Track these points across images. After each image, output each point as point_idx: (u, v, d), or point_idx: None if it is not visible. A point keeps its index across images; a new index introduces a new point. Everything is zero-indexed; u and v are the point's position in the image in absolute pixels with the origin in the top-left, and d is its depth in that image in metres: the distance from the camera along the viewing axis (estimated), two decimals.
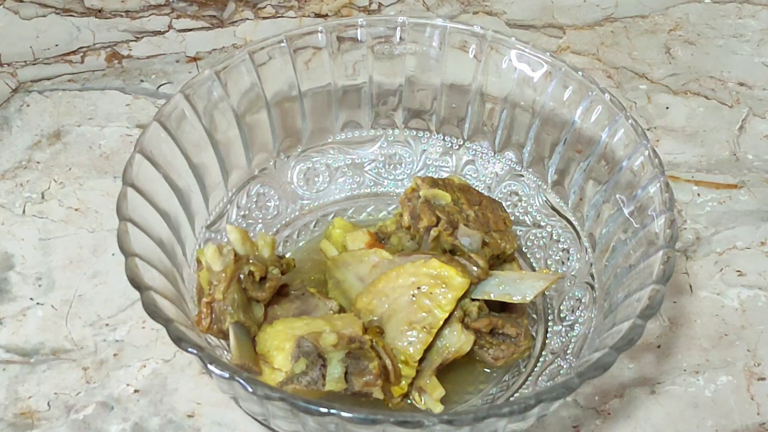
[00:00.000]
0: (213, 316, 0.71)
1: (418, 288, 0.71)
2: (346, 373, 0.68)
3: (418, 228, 0.76)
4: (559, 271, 0.82)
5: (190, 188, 0.78)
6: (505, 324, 0.74)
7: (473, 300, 0.73)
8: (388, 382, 0.69)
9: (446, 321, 0.71)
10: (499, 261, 0.79)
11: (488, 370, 0.76)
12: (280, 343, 0.70)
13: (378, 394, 0.68)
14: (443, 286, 0.71)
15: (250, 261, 0.74)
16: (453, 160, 0.90)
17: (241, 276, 0.72)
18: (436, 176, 0.85)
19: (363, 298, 0.74)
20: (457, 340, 0.72)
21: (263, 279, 0.74)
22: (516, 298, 0.73)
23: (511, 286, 0.74)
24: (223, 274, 0.72)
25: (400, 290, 0.72)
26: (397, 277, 0.73)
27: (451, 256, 0.74)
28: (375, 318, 0.72)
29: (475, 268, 0.73)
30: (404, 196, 0.80)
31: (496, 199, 0.85)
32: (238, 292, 0.72)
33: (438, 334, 0.71)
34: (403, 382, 0.71)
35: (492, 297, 0.73)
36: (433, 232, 0.75)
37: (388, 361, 0.69)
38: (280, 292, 0.76)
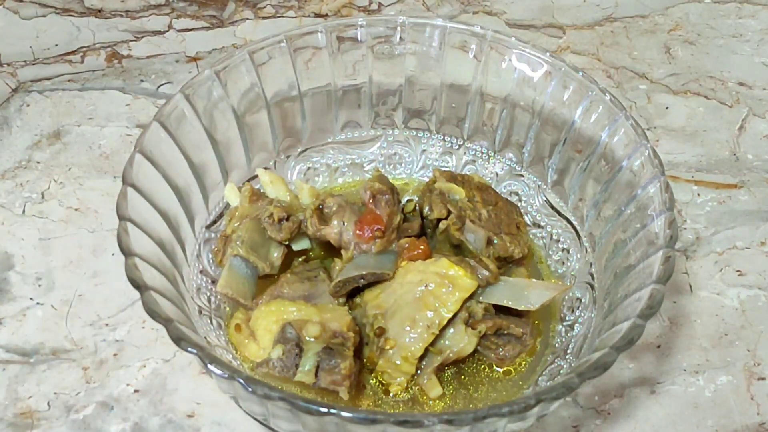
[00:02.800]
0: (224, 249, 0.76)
1: (426, 286, 0.72)
2: (317, 368, 0.69)
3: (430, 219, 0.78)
4: (559, 271, 0.82)
5: (190, 188, 0.78)
6: (510, 324, 0.74)
7: (479, 302, 0.73)
8: (354, 385, 0.71)
9: (451, 321, 0.71)
10: (506, 264, 0.79)
11: None
12: (269, 324, 0.72)
13: (344, 394, 0.69)
14: (450, 286, 0.71)
15: (273, 203, 0.77)
16: (453, 160, 0.90)
17: (265, 217, 0.75)
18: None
19: (372, 290, 0.74)
20: (460, 341, 0.72)
21: (284, 221, 0.76)
22: (522, 306, 0.73)
23: (519, 293, 0.74)
24: (237, 212, 0.76)
25: (408, 286, 0.72)
26: (406, 273, 0.73)
27: (462, 258, 0.75)
28: (380, 312, 0.72)
29: (485, 272, 0.73)
30: (426, 187, 0.81)
31: None
32: (254, 231, 0.75)
33: (441, 333, 0.72)
34: (402, 378, 0.72)
35: (499, 302, 0.74)
36: (442, 225, 0.76)
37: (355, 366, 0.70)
38: (295, 271, 0.77)
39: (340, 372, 0.68)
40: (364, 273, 0.73)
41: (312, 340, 0.70)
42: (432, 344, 0.71)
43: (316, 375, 0.69)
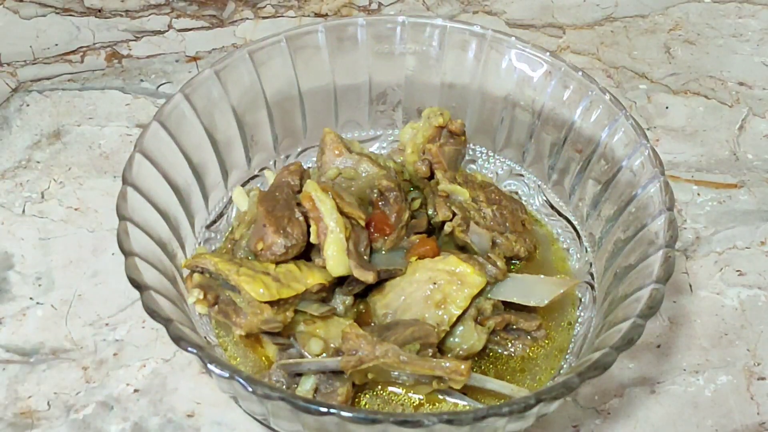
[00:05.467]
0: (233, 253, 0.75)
1: (435, 283, 0.72)
2: (315, 390, 0.69)
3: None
4: None
5: (189, 188, 0.78)
6: (519, 320, 0.74)
7: (488, 299, 0.73)
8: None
9: (460, 318, 0.71)
10: (514, 261, 0.79)
11: None
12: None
13: None
14: (459, 283, 0.71)
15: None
16: None
17: None
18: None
19: (381, 289, 0.74)
20: (470, 338, 0.72)
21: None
22: (532, 302, 0.73)
23: (528, 289, 0.74)
24: (246, 217, 0.76)
25: (416, 285, 0.72)
26: (415, 271, 0.73)
27: (470, 255, 0.75)
28: (390, 312, 0.72)
29: (493, 269, 0.73)
30: (429, 188, 0.80)
31: None
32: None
33: (451, 331, 0.72)
34: None
35: (507, 299, 0.74)
36: (447, 227, 0.76)
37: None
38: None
39: (336, 398, 0.68)
40: (377, 270, 0.73)
41: (315, 356, 0.70)
42: (442, 342, 0.71)
43: (314, 396, 0.69)
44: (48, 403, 0.75)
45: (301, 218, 0.72)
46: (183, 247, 0.75)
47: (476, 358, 0.74)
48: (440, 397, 0.71)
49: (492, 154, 0.89)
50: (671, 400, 0.77)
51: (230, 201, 0.82)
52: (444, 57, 0.86)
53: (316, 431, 0.62)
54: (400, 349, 0.66)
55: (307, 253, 0.73)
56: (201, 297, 0.69)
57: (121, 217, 0.67)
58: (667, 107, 1.05)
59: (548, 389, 0.59)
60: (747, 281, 0.86)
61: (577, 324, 0.77)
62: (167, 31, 1.12)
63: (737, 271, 0.87)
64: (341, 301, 0.74)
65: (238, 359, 0.73)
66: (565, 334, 0.76)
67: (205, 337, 0.71)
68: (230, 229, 0.81)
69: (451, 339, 0.72)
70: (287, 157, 0.87)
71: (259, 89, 0.83)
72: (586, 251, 0.80)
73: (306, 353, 0.70)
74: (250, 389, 0.58)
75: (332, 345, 0.69)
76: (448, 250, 0.76)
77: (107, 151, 0.96)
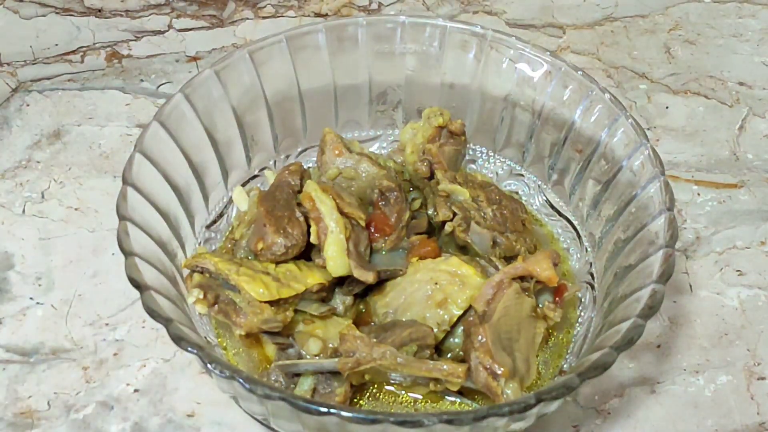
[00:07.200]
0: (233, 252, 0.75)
1: (436, 283, 0.72)
2: (314, 390, 0.69)
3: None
4: None
5: (189, 188, 0.78)
6: None
7: None
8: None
9: (460, 319, 0.71)
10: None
11: None
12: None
13: None
14: (461, 284, 0.71)
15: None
16: None
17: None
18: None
19: (381, 289, 0.74)
20: None
21: None
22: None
23: None
24: (246, 217, 0.76)
25: (418, 284, 0.73)
26: (416, 271, 0.73)
27: (471, 257, 0.75)
28: (390, 311, 0.72)
29: (493, 270, 0.73)
30: (429, 188, 0.80)
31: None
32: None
33: (451, 331, 0.72)
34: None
35: None
36: (448, 227, 0.76)
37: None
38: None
39: (335, 398, 0.68)
40: (377, 270, 0.73)
41: (313, 356, 0.70)
42: (441, 342, 0.72)
43: (312, 396, 0.69)
44: (48, 403, 0.75)
45: (301, 218, 0.72)
46: (183, 247, 0.75)
47: None
48: (439, 395, 0.71)
49: (492, 154, 0.89)
50: (671, 400, 0.77)
51: (230, 201, 0.83)
52: (444, 57, 0.86)
53: (315, 431, 0.62)
54: (397, 351, 0.66)
55: (307, 253, 0.73)
56: (201, 297, 0.69)
57: (121, 217, 0.67)
58: (667, 107, 1.05)
59: (548, 389, 0.59)
60: (747, 281, 0.86)
61: (577, 324, 0.77)
62: (167, 31, 1.12)
63: (737, 271, 0.87)
64: (341, 301, 0.74)
65: (239, 360, 0.73)
66: (565, 334, 0.76)
67: (205, 337, 0.71)
68: (230, 229, 0.81)
69: (451, 339, 0.72)
70: (287, 157, 0.88)
71: (259, 89, 0.83)
72: (586, 251, 0.80)
73: (304, 353, 0.70)
74: (250, 389, 0.58)
75: (330, 345, 0.69)
76: (449, 251, 0.76)
77: (107, 151, 0.97)
